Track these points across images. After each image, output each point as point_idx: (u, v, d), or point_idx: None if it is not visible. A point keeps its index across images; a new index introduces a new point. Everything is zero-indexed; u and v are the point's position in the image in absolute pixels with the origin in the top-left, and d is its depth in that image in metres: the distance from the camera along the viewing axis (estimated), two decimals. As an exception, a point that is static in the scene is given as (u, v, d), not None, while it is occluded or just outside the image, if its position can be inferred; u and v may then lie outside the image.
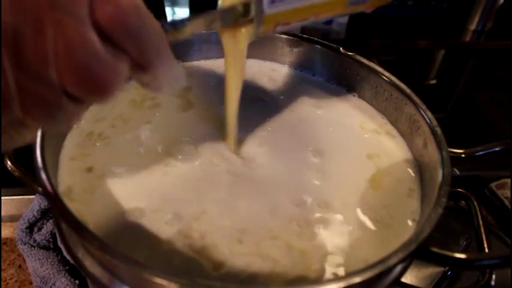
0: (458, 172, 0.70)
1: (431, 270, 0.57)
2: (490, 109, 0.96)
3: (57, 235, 0.52)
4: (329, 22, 1.09)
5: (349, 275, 0.26)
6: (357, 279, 0.26)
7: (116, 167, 0.38)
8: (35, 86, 0.20)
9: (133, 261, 0.26)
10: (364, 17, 1.19)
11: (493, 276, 0.34)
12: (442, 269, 0.56)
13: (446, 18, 1.18)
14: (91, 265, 0.32)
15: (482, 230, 0.37)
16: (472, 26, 1.15)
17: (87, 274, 0.32)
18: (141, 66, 0.24)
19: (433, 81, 1.07)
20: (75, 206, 0.35)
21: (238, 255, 0.32)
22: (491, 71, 1.10)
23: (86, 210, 0.35)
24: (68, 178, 0.37)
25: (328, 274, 0.31)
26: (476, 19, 1.14)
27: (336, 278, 0.26)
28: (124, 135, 0.41)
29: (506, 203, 0.68)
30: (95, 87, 0.22)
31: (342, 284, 0.26)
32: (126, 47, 0.22)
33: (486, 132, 0.88)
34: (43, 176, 0.31)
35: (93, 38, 0.21)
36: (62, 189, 0.36)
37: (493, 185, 0.70)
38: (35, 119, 0.22)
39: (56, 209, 0.29)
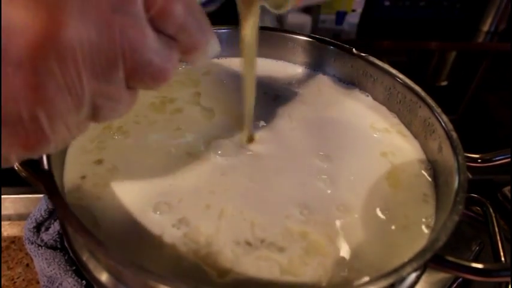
0: (470, 176, 0.69)
1: (442, 275, 0.56)
2: (501, 111, 0.95)
3: (64, 237, 0.52)
4: (340, 22, 1.08)
5: (362, 284, 0.26)
6: (370, 289, 0.26)
7: (131, 163, 0.38)
8: (105, 87, 0.22)
9: (138, 269, 0.26)
10: (375, 17, 1.19)
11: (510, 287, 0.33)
12: (453, 274, 0.55)
13: (458, 19, 1.16)
14: (95, 268, 0.32)
15: (499, 237, 0.36)
16: (485, 27, 1.13)
17: (91, 278, 0.31)
18: (190, 49, 0.25)
19: (445, 83, 1.06)
20: (83, 203, 0.35)
21: (245, 263, 0.31)
22: (503, 72, 1.08)
23: (95, 204, 0.35)
24: (78, 172, 0.37)
25: (341, 279, 0.30)
26: (489, 20, 1.13)
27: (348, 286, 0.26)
28: (146, 134, 0.41)
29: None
30: (155, 79, 0.23)
31: (355, 293, 0.25)
32: (177, 35, 0.24)
33: (498, 135, 0.87)
34: (48, 178, 0.31)
35: (151, 33, 0.22)
36: (70, 185, 0.36)
37: (506, 189, 0.69)
38: (102, 116, 0.23)
39: (61, 212, 0.29)
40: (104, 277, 0.31)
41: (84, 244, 0.32)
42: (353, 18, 1.08)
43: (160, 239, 0.32)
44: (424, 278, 0.54)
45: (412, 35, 1.12)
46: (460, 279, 0.55)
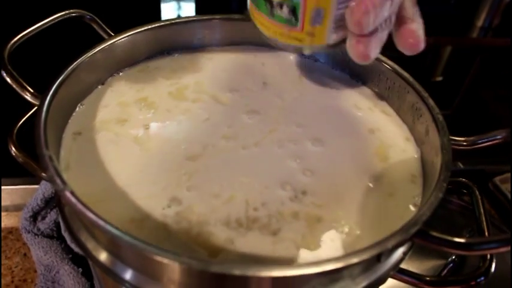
0: (461, 166, 0.70)
1: (434, 263, 0.57)
2: (496, 106, 0.96)
3: (60, 219, 0.53)
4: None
5: (346, 255, 0.26)
6: (354, 260, 0.26)
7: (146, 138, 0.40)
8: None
9: (138, 243, 0.26)
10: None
11: (493, 264, 0.34)
12: (443, 261, 0.56)
13: (453, 14, 1.17)
14: (94, 248, 0.32)
15: (484, 218, 0.37)
16: (479, 23, 1.14)
17: (90, 257, 0.32)
18: None
19: (439, 78, 1.07)
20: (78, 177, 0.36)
21: (238, 242, 0.32)
22: (497, 68, 1.09)
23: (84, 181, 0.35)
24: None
25: (329, 254, 0.31)
26: (483, 15, 1.13)
27: (333, 259, 0.26)
28: (172, 117, 0.42)
29: (510, 197, 0.68)
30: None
31: (340, 264, 0.26)
32: None
33: (492, 130, 0.88)
34: (47, 161, 0.31)
35: None
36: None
37: (497, 179, 0.70)
38: None
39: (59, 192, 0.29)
40: (103, 256, 0.31)
41: (82, 224, 0.33)
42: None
43: (151, 217, 0.33)
44: (415, 265, 0.55)
45: (407, 30, 1.12)
46: (451, 264, 0.56)
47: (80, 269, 0.53)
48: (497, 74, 1.07)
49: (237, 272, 0.25)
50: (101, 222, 0.27)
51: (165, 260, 0.26)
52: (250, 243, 0.32)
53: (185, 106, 0.43)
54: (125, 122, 0.41)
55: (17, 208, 0.64)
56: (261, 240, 0.32)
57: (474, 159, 0.72)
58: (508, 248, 0.27)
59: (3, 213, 0.64)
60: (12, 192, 0.64)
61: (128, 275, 0.30)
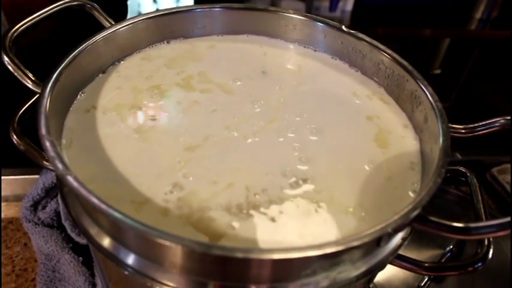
0: (459, 156, 0.70)
1: (432, 252, 0.57)
2: (494, 99, 0.96)
3: (61, 206, 0.53)
4: (334, 9, 1.09)
5: (347, 238, 0.27)
6: (355, 243, 0.27)
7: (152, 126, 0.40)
8: None
9: (142, 226, 0.27)
10: (369, 4, 1.19)
11: (491, 250, 0.35)
12: (441, 250, 0.57)
13: (451, 6, 1.17)
14: (97, 234, 0.32)
15: (481, 205, 0.37)
16: (478, 15, 1.14)
17: (93, 243, 0.32)
18: None
19: (438, 71, 1.07)
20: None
21: (239, 228, 0.32)
22: (496, 60, 1.09)
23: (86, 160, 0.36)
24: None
25: (329, 239, 0.32)
26: (481, 8, 1.13)
27: (334, 241, 0.27)
28: (181, 109, 0.42)
29: (508, 188, 0.68)
30: None
31: (341, 247, 0.26)
32: None
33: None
34: (49, 146, 0.31)
35: None
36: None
37: (495, 170, 0.71)
38: None
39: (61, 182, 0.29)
40: (105, 242, 0.32)
41: (85, 210, 0.33)
42: (346, 5, 1.09)
43: (152, 202, 0.33)
44: (413, 255, 0.55)
45: (406, 22, 1.12)
46: (449, 254, 0.57)
47: (81, 258, 0.53)
48: (496, 67, 1.07)
49: (239, 255, 0.26)
50: (104, 206, 0.27)
51: (168, 243, 0.26)
52: (251, 228, 0.32)
53: (194, 97, 0.44)
54: (137, 109, 0.41)
55: (17, 198, 0.65)
56: (262, 225, 0.32)
57: (471, 149, 0.73)
58: (506, 232, 0.28)
59: (3, 203, 0.64)
60: (12, 182, 0.64)
61: (131, 259, 0.31)
